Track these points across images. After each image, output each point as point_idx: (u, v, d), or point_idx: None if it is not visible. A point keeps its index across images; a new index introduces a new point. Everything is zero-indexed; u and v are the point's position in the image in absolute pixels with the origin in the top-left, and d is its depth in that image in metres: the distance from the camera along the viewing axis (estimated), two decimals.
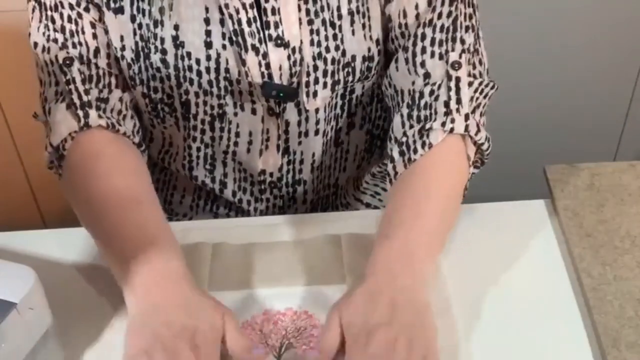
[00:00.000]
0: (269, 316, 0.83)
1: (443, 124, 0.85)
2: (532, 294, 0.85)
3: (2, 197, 1.89)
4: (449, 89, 0.87)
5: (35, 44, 0.91)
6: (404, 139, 0.88)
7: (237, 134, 0.96)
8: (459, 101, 0.87)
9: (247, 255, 0.90)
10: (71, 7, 0.90)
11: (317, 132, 0.97)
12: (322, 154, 1.00)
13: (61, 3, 0.90)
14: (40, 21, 0.91)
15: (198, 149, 0.99)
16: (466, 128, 0.86)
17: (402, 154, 0.87)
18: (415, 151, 0.86)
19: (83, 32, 0.90)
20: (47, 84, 0.92)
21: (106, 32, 0.91)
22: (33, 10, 0.91)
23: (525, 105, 1.87)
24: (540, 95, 1.86)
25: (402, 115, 0.90)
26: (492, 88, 0.92)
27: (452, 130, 0.85)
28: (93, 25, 0.90)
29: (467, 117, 0.86)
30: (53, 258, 0.88)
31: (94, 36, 0.91)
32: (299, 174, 1.01)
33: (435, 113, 0.87)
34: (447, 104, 0.86)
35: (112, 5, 0.89)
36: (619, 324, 0.80)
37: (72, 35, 0.90)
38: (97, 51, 0.91)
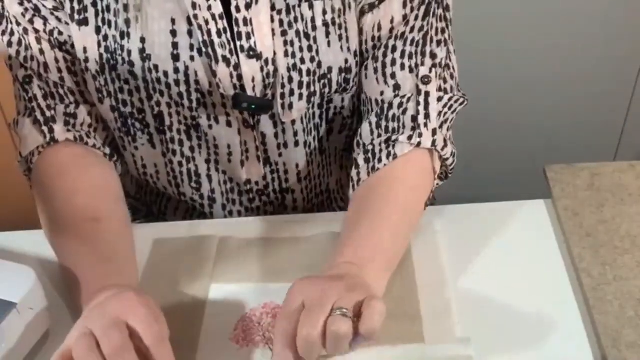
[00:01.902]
0: (267, 309, 0.83)
1: (410, 138, 0.86)
2: (532, 294, 0.85)
3: (2, 197, 1.89)
4: (418, 103, 0.88)
5: (4, 57, 0.93)
6: (370, 147, 0.88)
7: (216, 146, 0.95)
8: (427, 116, 0.87)
9: (253, 250, 0.90)
10: (17, 23, 0.90)
11: (297, 144, 0.96)
12: (307, 164, 0.99)
13: (9, 19, 0.90)
14: (4, 34, 0.91)
15: (180, 164, 0.98)
16: (433, 143, 0.87)
17: (366, 160, 0.88)
18: (379, 160, 0.86)
19: (31, 48, 0.91)
20: (17, 98, 0.95)
21: (59, 45, 0.91)
22: None
23: (525, 105, 1.87)
24: (540, 96, 1.86)
25: (370, 124, 0.90)
26: (461, 104, 0.92)
27: (419, 144, 0.86)
28: (38, 41, 0.90)
29: (434, 132, 0.87)
30: (53, 258, 0.88)
31: (41, 52, 0.91)
32: (285, 183, 1.00)
33: (403, 127, 0.87)
34: (414, 118, 0.87)
35: (77, 17, 0.88)
36: (619, 324, 0.80)
37: (26, 49, 0.91)
38: (46, 66, 0.91)
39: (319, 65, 0.90)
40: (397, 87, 0.89)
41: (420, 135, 0.86)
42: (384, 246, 0.81)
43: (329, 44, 0.89)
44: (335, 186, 1.08)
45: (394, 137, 0.86)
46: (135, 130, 0.96)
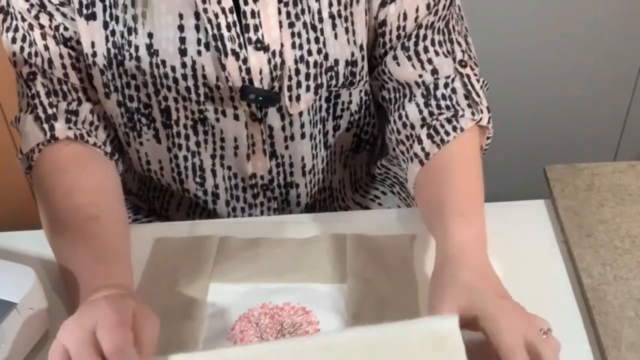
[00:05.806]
0: (266, 310, 0.83)
1: (473, 114, 0.88)
2: (532, 294, 0.84)
3: (2, 197, 1.90)
4: (465, 84, 0.90)
5: (8, 54, 0.92)
6: (434, 122, 0.88)
7: (222, 139, 0.95)
8: (477, 95, 0.90)
9: (252, 250, 0.90)
10: (23, 19, 0.90)
11: (303, 136, 0.96)
12: (312, 157, 0.99)
13: (13, 16, 0.91)
14: (8, 31, 0.92)
15: (185, 159, 0.98)
16: (489, 120, 0.89)
17: (430, 136, 0.88)
18: (447, 133, 0.87)
19: (36, 44, 0.91)
20: (20, 95, 0.95)
21: (64, 40, 0.91)
22: (3, 21, 0.92)
23: (526, 105, 1.88)
24: (540, 96, 1.87)
25: (417, 105, 0.91)
26: (487, 88, 0.95)
27: (480, 120, 0.88)
28: (43, 37, 0.90)
29: (488, 109, 0.90)
30: (53, 258, 0.88)
31: (46, 47, 0.91)
32: (290, 177, 1.00)
33: (458, 104, 0.89)
34: (467, 97, 0.89)
35: (85, 11, 0.88)
36: (619, 324, 0.80)
37: (30, 45, 0.91)
38: (50, 62, 0.91)
39: (326, 57, 0.90)
40: (435, 71, 0.91)
41: (481, 111, 0.88)
42: (483, 224, 0.83)
43: (335, 36, 0.90)
44: (338, 185, 1.08)
45: (460, 113, 0.88)
46: (141, 126, 0.96)
